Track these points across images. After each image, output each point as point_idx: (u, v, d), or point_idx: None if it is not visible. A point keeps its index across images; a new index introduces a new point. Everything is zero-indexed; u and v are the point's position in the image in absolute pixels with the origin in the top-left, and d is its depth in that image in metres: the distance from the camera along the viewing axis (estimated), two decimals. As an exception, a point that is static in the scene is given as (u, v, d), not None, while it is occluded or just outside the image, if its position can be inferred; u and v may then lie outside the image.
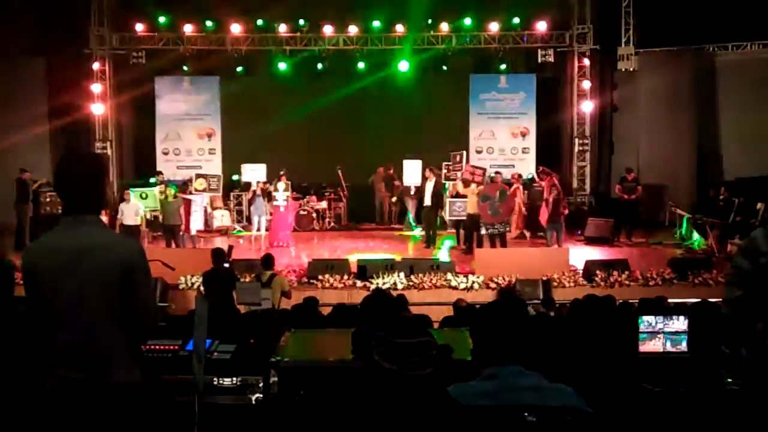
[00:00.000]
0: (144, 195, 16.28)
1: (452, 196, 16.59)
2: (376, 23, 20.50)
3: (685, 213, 17.31)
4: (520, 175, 19.07)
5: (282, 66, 20.84)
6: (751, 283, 3.37)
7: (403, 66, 20.46)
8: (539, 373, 2.95)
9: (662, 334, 4.52)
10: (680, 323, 4.53)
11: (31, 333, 3.85)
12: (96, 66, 20.49)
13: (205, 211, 19.01)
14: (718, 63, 19.67)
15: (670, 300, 9.33)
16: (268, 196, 17.36)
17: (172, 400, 4.06)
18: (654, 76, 19.62)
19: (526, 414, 2.77)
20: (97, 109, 20.60)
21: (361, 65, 21.00)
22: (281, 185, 17.33)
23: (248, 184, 18.39)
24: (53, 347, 3.22)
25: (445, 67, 21.35)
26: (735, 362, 4.44)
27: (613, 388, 4.21)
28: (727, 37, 19.51)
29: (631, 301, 8.40)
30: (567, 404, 2.86)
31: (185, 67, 21.24)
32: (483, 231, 15.54)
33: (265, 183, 17.74)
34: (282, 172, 17.74)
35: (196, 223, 17.65)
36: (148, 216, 17.43)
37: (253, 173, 18.36)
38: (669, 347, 4.52)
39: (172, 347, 4.51)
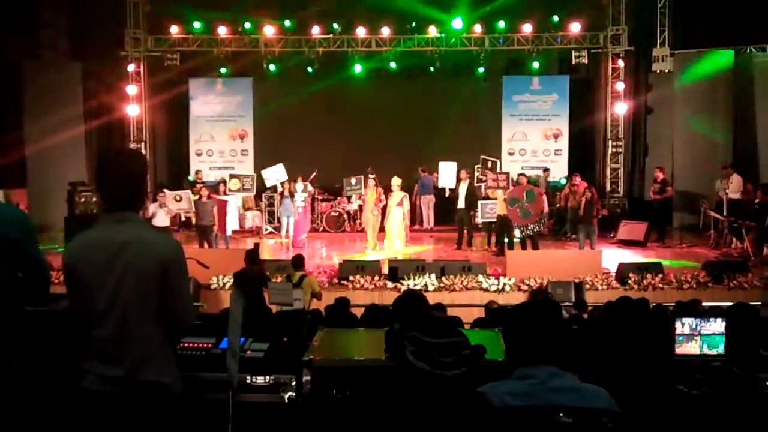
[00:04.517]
0: (178, 198, 16.38)
1: (482, 199, 16.55)
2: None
3: (720, 216, 17.08)
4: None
5: (315, 67, 20.99)
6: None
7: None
8: (574, 374, 2.91)
9: (699, 337, 4.46)
10: (717, 325, 4.47)
11: (70, 330, 3.88)
12: (131, 68, 20.73)
13: (238, 211, 19.10)
14: (756, 64, 19.37)
15: (704, 303, 9.22)
16: (292, 196, 17.38)
17: (205, 398, 4.08)
18: (689, 77, 19.35)
19: (561, 415, 2.74)
20: (132, 111, 20.86)
21: (393, 66, 21.00)
22: (299, 186, 17.34)
23: (275, 187, 18.36)
24: (91, 344, 3.24)
25: (480, 69, 21.29)
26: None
27: (648, 390, 4.17)
28: (765, 39, 19.22)
29: (665, 304, 8.29)
30: (602, 406, 2.82)
31: (223, 69, 21.43)
32: (517, 234, 15.43)
33: (290, 183, 17.66)
34: (314, 175, 17.81)
35: (232, 224, 17.70)
36: (182, 217, 17.59)
37: (275, 175, 18.05)
38: (706, 350, 4.46)
39: (205, 345, 4.54)
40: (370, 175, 16.94)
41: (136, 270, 3.15)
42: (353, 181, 17.38)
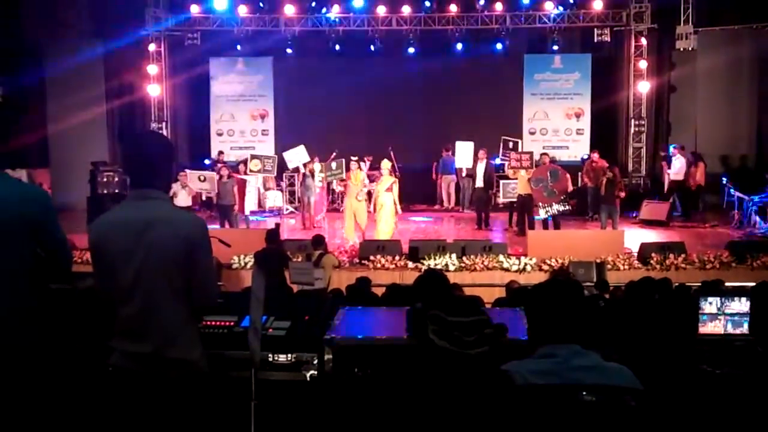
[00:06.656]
0: (202, 178, 16.44)
1: (503, 178, 16.51)
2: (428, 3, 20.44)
3: (743, 195, 16.93)
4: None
5: (335, 47, 20.93)
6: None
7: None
8: (597, 353, 2.90)
9: (723, 316, 4.44)
10: (742, 305, 4.44)
11: (97, 307, 3.91)
12: (152, 47, 20.77)
13: (258, 191, 19.17)
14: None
15: (728, 284, 9.16)
16: (312, 176, 17.41)
17: (228, 375, 4.10)
18: (713, 55, 19.10)
19: (584, 393, 2.73)
20: (153, 91, 20.92)
21: (413, 46, 20.89)
22: (317, 167, 17.32)
23: (297, 168, 18.33)
24: (117, 321, 3.28)
25: (499, 47, 21.14)
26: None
27: (672, 369, 4.15)
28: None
29: (687, 284, 8.24)
30: (625, 384, 2.81)
31: (239, 47, 21.43)
32: (542, 213, 15.27)
33: (311, 163, 17.67)
34: (334, 155, 17.74)
35: (251, 204, 17.74)
36: (203, 197, 17.69)
37: (297, 157, 17.94)
38: (730, 329, 4.44)
39: (228, 323, 4.55)
40: (353, 159, 16.25)
41: (162, 248, 3.17)
42: (333, 165, 16.43)
